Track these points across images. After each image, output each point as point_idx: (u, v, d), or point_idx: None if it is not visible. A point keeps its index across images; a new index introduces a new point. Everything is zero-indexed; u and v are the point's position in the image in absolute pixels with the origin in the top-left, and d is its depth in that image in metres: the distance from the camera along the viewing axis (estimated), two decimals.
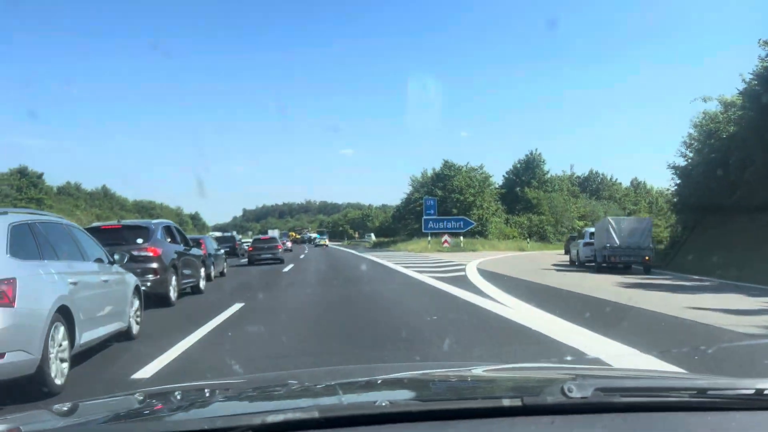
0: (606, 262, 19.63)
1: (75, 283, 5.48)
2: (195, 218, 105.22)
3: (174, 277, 11.21)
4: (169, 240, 11.83)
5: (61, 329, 5.03)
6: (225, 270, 20.32)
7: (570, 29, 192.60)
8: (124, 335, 7.04)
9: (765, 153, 16.23)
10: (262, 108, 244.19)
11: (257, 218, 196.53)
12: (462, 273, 17.50)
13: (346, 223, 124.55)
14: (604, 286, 13.57)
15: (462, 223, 41.42)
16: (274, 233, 70.87)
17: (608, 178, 70.63)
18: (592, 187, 68.93)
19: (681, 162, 30.87)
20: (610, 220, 20.71)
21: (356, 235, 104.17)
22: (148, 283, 10.21)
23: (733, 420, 1.15)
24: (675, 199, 32.46)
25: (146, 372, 5.57)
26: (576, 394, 1.15)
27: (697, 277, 16.41)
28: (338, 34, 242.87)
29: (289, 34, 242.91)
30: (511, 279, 15.52)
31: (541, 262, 26.57)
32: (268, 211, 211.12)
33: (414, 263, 23.54)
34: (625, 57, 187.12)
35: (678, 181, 32.22)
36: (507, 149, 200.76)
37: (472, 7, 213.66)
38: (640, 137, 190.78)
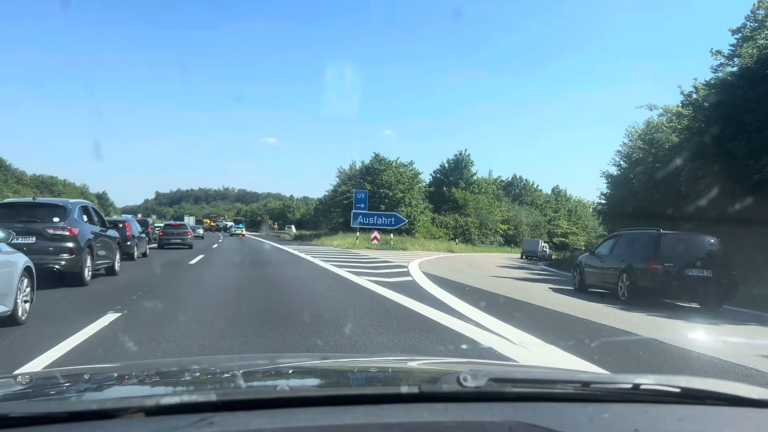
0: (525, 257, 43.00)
1: None
2: (102, 198, 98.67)
3: (89, 258, 11.15)
4: (86, 220, 11.66)
5: None
6: (147, 251, 21.41)
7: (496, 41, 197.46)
8: (8, 320, 6.51)
9: (722, 164, 16.13)
10: (182, 91, 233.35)
11: (171, 202, 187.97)
12: (409, 278, 15.13)
13: (266, 213, 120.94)
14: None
15: (393, 219, 40.09)
16: (189, 220, 67.56)
17: (530, 183, 72.19)
18: (515, 191, 70.15)
19: (614, 171, 31.44)
20: (525, 239, 42.86)
21: (275, 226, 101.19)
22: (63, 262, 10.35)
23: (610, 410, 1.24)
24: (605, 208, 32.96)
25: (35, 363, 4.95)
26: (470, 383, 1.20)
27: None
28: (263, 18, 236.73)
29: (209, 10, 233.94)
30: (471, 288, 13.64)
31: (483, 265, 25.88)
32: (183, 195, 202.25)
33: (346, 262, 21.14)
34: (549, 71, 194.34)
35: (606, 191, 32.86)
36: (428, 150, 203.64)
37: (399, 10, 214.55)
38: (562, 147, 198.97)
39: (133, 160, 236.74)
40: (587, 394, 1.33)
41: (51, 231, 10.38)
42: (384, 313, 8.54)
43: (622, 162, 30.37)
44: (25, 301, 6.98)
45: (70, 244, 10.49)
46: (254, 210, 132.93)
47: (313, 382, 1.69)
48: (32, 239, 10.19)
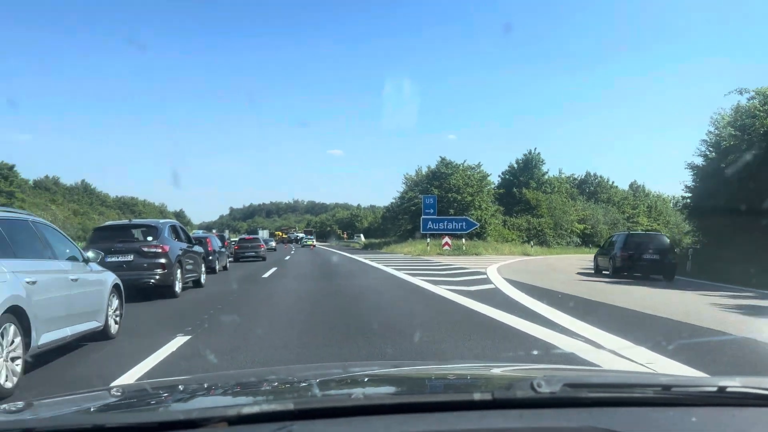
0: None
1: (33, 282, 5.34)
2: (179, 216, 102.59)
3: (179, 272, 12.03)
4: (174, 238, 12.57)
5: (12, 329, 4.90)
6: (227, 265, 22.59)
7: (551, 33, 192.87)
8: (101, 334, 6.92)
9: None
10: (251, 109, 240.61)
11: (244, 217, 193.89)
12: (491, 285, 14.18)
13: (334, 223, 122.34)
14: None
15: (464, 223, 39.18)
16: (264, 234, 69.26)
17: (605, 180, 69.16)
18: (589, 189, 67.42)
19: (700, 161, 29.27)
20: None
21: (345, 236, 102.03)
22: (157, 277, 11.30)
23: (693, 415, 1.18)
24: (691, 203, 30.81)
25: (129, 373, 5.32)
26: (545, 389, 1.17)
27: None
28: (325, 37, 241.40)
29: (275, 35, 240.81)
30: (562, 294, 12.49)
31: (565, 267, 24.71)
32: (255, 210, 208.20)
33: (420, 270, 20.52)
34: (612, 65, 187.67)
35: (692, 184, 30.67)
36: (494, 153, 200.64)
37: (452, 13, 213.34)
38: (637, 142, 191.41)
39: (207, 177, 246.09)
40: (669, 398, 1.27)
41: (146, 249, 11.40)
42: (474, 328, 7.92)
43: (708, 152, 28.31)
44: (116, 317, 7.40)
45: (163, 260, 11.43)
46: (323, 221, 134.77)
47: (386, 390, 1.69)
48: (130, 257, 11.29)
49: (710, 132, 28.32)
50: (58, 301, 5.84)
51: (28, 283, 5.25)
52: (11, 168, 57.96)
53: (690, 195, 31.08)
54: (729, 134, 24.61)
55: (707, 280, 18.35)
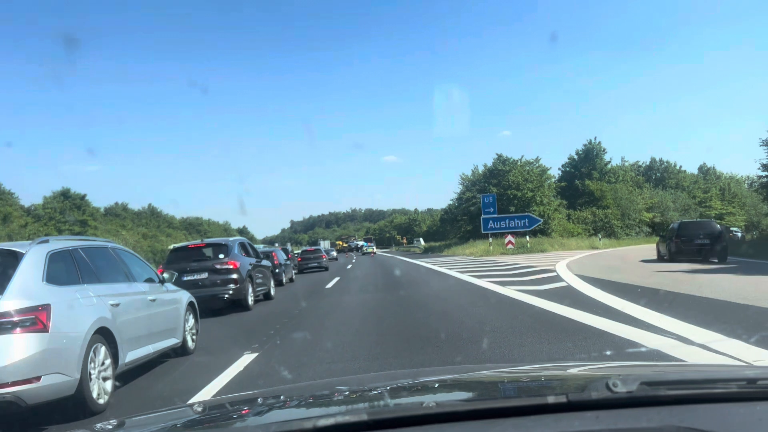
0: None
1: (117, 305, 5.57)
2: (243, 232, 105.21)
3: (250, 286, 12.50)
4: (243, 254, 13.03)
5: (102, 350, 5.13)
6: (293, 277, 23.12)
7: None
8: (179, 351, 7.24)
9: None
10: (304, 126, 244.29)
11: (305, 229, 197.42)
12: (563, 283, 13.38)
13: (393, 229, 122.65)
14: None
15: (527, 220, 38.20)
16: (325, 244, 70.37)
17: (672, 165, 66.27)
18: (655, 176, 64.81)
19: None
20: None
21: (404, 241, 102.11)
22: (230, 291, 11.85)
23: None
24: (766, 181, 29.17)
25: (207, 389, 5.47)
26: (621, 388, 1.15)
27: None
28: (370, 52, 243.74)
29: (320, 55, 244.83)
30: (639, 288, 11.81)
31: (637, 259, 23.75)
32: (315, 221, 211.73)
33: (484, 271, 19.97)
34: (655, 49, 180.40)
35: (767, 161, 29.03)
36: (552, 146, 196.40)
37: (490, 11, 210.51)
38: (701, 123, 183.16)
39: (267, 194, 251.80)
40: (754, 392, 1.22)
41: (218, 266, 11.94)
42: (551, 330, 7.52)
43: None
44: (192, 333, 7.67)
45: (235, 276, 11.95)
46: (382, 227, 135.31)
47: (458, 396, 1.68)
48: (205, 275, 11.89)
49: None
50: (139, 320, 6.11)
51: (112, 305, 5.51)
52: (83, 197, 60.68)
53: (767, 173, 29.48)
54: None
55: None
